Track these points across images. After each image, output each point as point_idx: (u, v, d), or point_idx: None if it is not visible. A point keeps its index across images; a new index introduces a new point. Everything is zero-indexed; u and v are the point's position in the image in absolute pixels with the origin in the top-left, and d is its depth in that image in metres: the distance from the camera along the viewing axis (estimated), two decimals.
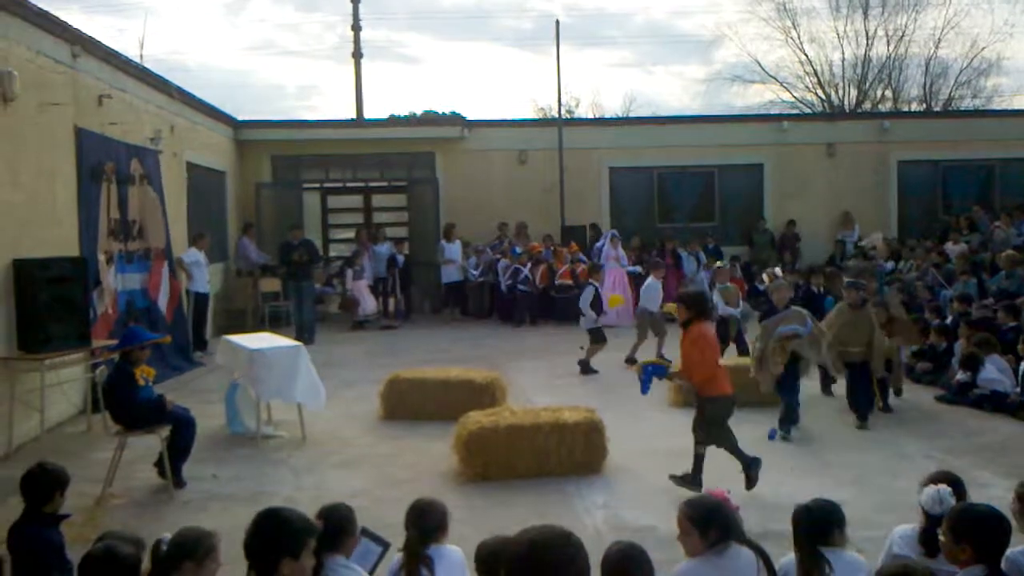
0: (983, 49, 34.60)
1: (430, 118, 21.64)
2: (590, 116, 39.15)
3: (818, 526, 3.98)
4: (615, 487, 7.46)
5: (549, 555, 2.40)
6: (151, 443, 7.79)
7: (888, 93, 35.62)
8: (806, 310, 9.37)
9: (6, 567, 4.38)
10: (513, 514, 6.50)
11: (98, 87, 11.49)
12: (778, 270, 13.80)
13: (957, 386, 10.41)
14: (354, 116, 25.16)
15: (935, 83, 35.03)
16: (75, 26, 10.79)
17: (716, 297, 12.08)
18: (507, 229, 18.89)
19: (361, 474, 7.99)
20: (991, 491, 6.91)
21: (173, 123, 14.34)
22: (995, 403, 9.87)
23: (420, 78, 63.95)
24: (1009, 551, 3.66)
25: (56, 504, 4.89)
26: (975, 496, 4.59)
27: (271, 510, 3.32)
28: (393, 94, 66.59)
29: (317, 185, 21.24)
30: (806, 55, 35.39)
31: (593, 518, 6.78)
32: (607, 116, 38.48)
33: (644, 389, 7.40)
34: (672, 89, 63.91)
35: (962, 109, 32.11)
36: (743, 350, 11.85)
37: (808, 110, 34.16)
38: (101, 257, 11.11)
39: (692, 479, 7.02)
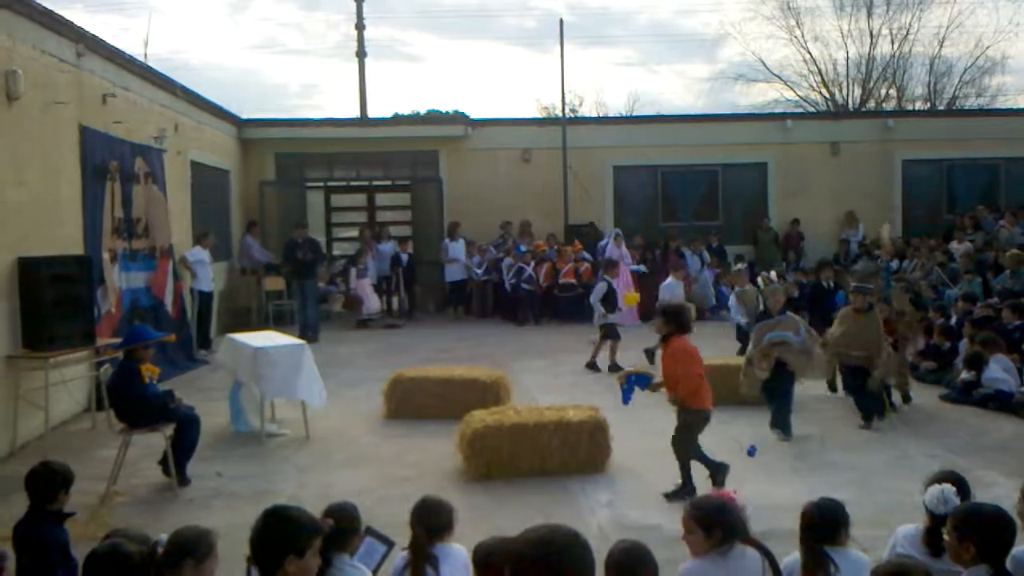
0: (987, 48, 34.66)
1: (434, 117, 21.59)
2: (594, 115, 39.17)
3: (826, 526, 3.98)
4: (619, 486, 7.46)
5: (556, 554, 2.40)
6: (155, 441, 7.80)
7: (892, 92, 35.59)
8: (799, 316, 9.29)
9: (9, 564, 4.39)
10: (517, 513, 6.50)
11: (102, 86, 11.50)
12: (773, 274, 13.72)
13: (961, 385, 10.40)
14: (358, 115, 25.16)
15: (939, 82, 35.01)
16: (79, 25, 10.81)
17: (733, 301, 11.89)
18: (511, 228, 18.89)
19: (365, 472, 7.99)
20: (995, 490, 6.90)
21: (177, 122, 14.35)
22: (1000, 402, 9.86)
23: (424, 77, 64.04)
24: (1015, 550, 3.65)
25: (61, 502, 4.90)
26: (979, 495, 4.58)
27: (276, 508, 3.31)
28: (397, 93, 66.60)
29: (321, 184, 21.25)
30: (810, 54, 35.40)
31: (597, 517, 6.78)
32: (611, 115, 38.51)
33: (625, 399, 7.37)
34: (676, 88, 63.91)
35: (967, 108, 32.07)
36: None
37: (812, 109, 34.12)
38: (105, 255, 11.12)
39: (685, 491, 6.97)
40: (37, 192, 9.62)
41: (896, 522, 4.55)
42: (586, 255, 17.79)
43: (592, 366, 12.31)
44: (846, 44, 35.41)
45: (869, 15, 34.14)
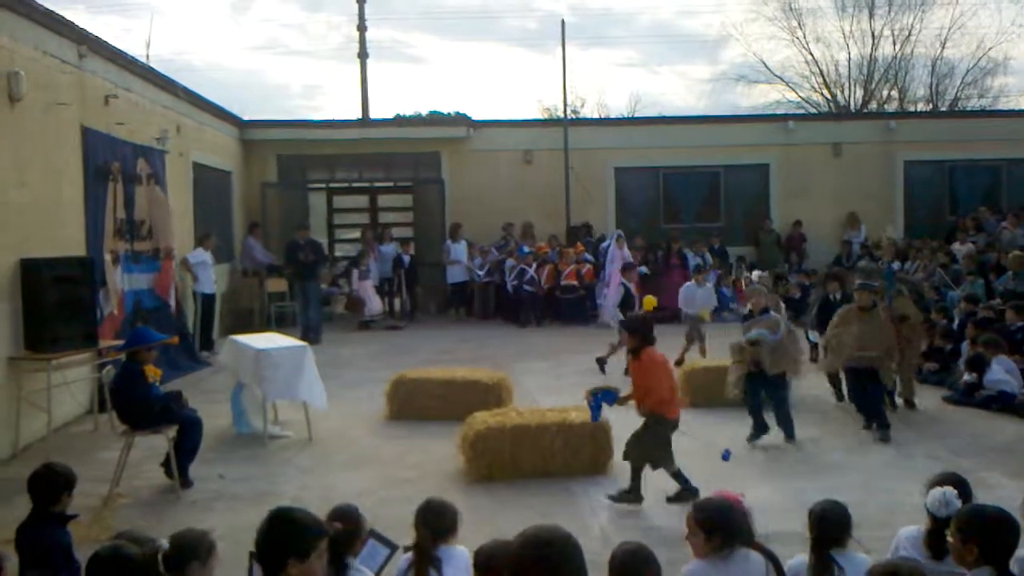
0: (990, 49, 34.52)
1: (436, 118, 21.61)
2: (596, 116, 39.18)
3: (833, 529, 3.98)
4: (621, 488, 7.44)
5: (556, 554, 2.41)
6: (158, 443, 7.81)
7: (894, 93, 35.55)
8: (781, 318, 9.11)
9: (9, 566, 4.38)
10: (519, 515, 6.49)
11: (104, 87, 11.51)
12: (755, 275, 13.63)
13: (964, 387, 10.38)
14: (360, 116, 25.16)
15: (941, 83, 34.96)
16: (81, 26, 10.82)
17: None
18: (512, 229, 18.89)
19: (366, 474, 7.99)
20: (999, 492, 6.90)
21: (179, 123, 14.36)
22: (1002, 404, 9.84)
23: (425, 78, 63.98)
24: (1021, 551, 3.65)
25: (63, 504, 4.90)
26: (982, 497, 4.57)
27: (281, 510, 3.30)
28: (399, 94, 66.54)
29: (323, 185, 21.27)
30: (812, 55, 35.33)
31: (599, 519, 6.78)
32: (613, 116, 38.50)
33: (594, 416, 7.37)
34: (678, 89, 63.83)
35: (969, 109, 32.03)
36: None
37: (814, 110, 34.08)
38: (107, 257, 11.12)
39: (686, 491, 6.97)
40: (39, 193, 9.63)
41: (899, 523, 4.54)
42: (587, 256, 17.78)
43: (601, 362, 12.26)
44: (848, 45, 35.41)
45: (871, 16, 34.13)
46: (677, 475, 7.07)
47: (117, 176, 11.54)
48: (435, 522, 4.23)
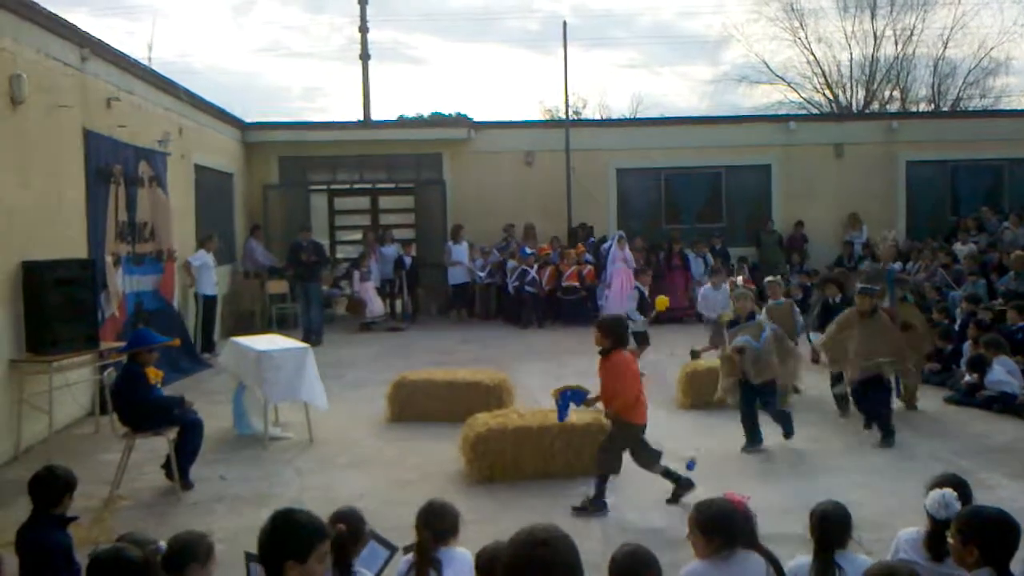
0: (992, 49, 34.49)
1: (437, 120, 21.62)
2: (597, 117, 39.17)
3: (835, 531, 3.97)
4: (622, 489, 7.43)
5: (540, 553, 2.40)
6: (159, 445, 7.82)
7: (896, 93, 35.53)
8: (767, 323, 8.93)
9: (7, 569, 4.39)
10: (520, 516, 6.48)
11: (106, 89, 11.53)
12: (740, 279, 13.54)
13: (965, 388, 10.37)
14: (361, 118, 25.18)
15: (943, 83, 34.93)
16: (83, 28, 10.84)
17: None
18: (514, 231, 18.89)
19: (368, 475, 8.00)
20: (999, 492, 6.91)
21: (181, 125, 14.38)
22: (1003, 404, 9.83)
23: (427, 79, 64.03)
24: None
25: (64, 506, 4.90)
26: (983, 498, 4.57)
27: (283, 511, 3.29)
28: (400, 96, 66.68)
29: (324, 187, 21.27)
30: (814, 55, 35.31)
31: (600, 520, 6.77)
32: (614, 117, 38.50)
33: (561, 415, 7.36)
34: (679, 90, 63.88)
35: (971, 109, 32.00)
36: None
37: (816, 111, 34.07)
38: (108, 259, 11.13)
39: (681, 487, 6.98)
40: (41, 196, 9.64)
41: (899, 524, 4.54)
42: (588, 257, 17.78)
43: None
44: (850, 45, 35.38)
45: (873, 16, 34.12)
46: (667, 473, 7.05)
47: (119, 178, 11.56)
48: (436, 524, 4.23)
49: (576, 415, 8.03)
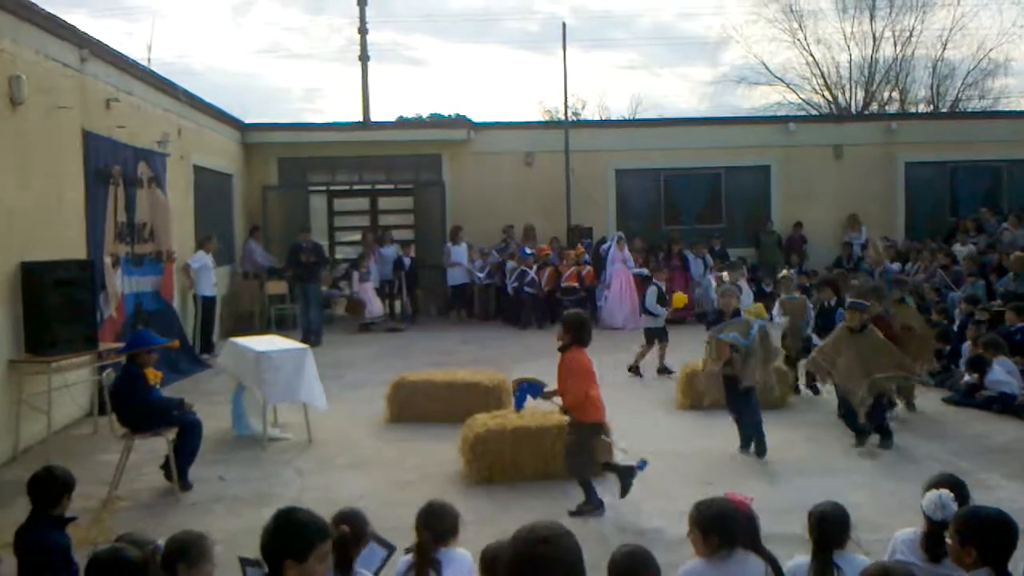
0: (991, 50, 34.50)
1: (437, 121, 21.63)
2: (597, 118, 39.18)
3: (834, 531, 3.97)
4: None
5: (541, 551, 2.40)
6: (157, 445, 7.81)
7: (895, 95, 35.53)
8: (754, 321, 8.65)
9: (5, 570, 4.39)
10: (519, 517, 6.47)
11: (106, 90, 11.52)
12: (726, 275, 13.44)
13: (964, 388, 10.37)
14: (361, 119, 25.19)
15: (942, 84, 34.94)
16: (82, 29, 10.83)
17: (776, 310, 11.36)
18: (513, 232, 18.89)
19: (367, 476, 8.00)
20: (998, 493, 6.91)
21: (180, 126, 14.38)
22: (1003, 405, 9.83)
23: (426, 80, 64.08)
24: None
25: (63, 507, 4.90)
26: (982, 498, 4.58)
27: (285, 510, 3.29)
28: (400, 97, 66.69)
29: (323, 188, 21.28)
30: (813, 56, 35.32)
31: (599, 521, 6.77)
32: (614, 118, 38.52)
33: (517, 405, 7.39)
34: (679, 91, 63.94)
35: (970, 111, 32.03)
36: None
37: (815, 112, 34.09)
38: (107, 260, 11.13)
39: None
40: (40, 197, 9.64)
41: (898, 525, 4.54)
42: (586, 258, 17.77)
43: (634, 370, 12.21)
44: (849, 47, 35.39)
45: (872, 18, 34.13)
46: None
47: (118, 179, 11.56)
48: (436, 524, 4.23)
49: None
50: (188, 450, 7.68)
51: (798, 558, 4.06)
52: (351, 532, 3.86)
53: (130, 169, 12.01)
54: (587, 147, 19.54)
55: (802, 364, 10.36)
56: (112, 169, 11.37)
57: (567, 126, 19.97)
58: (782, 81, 35.90)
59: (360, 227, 21.75)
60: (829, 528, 3.99)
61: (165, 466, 7.64)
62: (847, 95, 35.26)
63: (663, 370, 12.05)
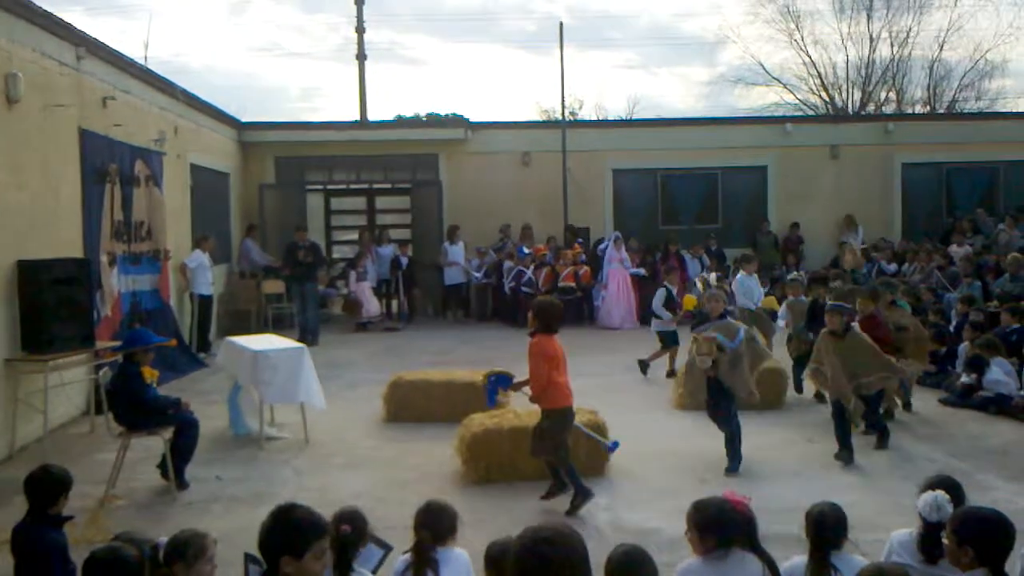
0: (987, 52, 34.60)
1: (434, 120, 21.62)
2: (594, 118, 39.20)
3: (832, 532, 3.98)
4: (618, 489, 7.45)
5: (547, 552, 2.40)
6: (154, 445, 7.80)
7: (892, 95, 35.61)
8: (741, 325, 8.39)
9: None
10: (516, 516, 6.49)
11: (102, 89, 11.51)
12: (712, 277, 13.39)
13: (961, 388, 10.38)
14: (358, 118, 25.18)
15: (939, 85, 35.04)
16: (79, 28, 10.82)
17: (782, 311, 11.30)
18: (510, 231, 18.90)
19: (364, 476, 7.99)
20: (994, 494, 6.92)
21: (177, 125, 14.36)
22: (999, 406, 9.84)
23: (423, 80, 64.03)
24: None
25: (60, 506, 4.89)
26: (978, 499, 4.58)
27: (284, 506, 3.29)
28: (397, 96, 66.64)
29: (320, 187, 21.26)
30: (810, 57, 35.41)
31: (596, 520, 6.77)
32: (611, 118, 38.54)
33: (489, 399, 7.41)
34: (676, 91, 63.97)
35: (966, 112, 32.09)
36: None
37: (812, 112, 34.14)
38: (103, 258, 11.12)
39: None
40: (36, 195, 9.62)
41: (895, 525, 4.55)
42: (582, 258, 17.77)
43: (643, 365, 12.16)
44: (846, 47, 35.55)
45: (869, 18, 34.22)
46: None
47: (114, 178, 11.54)
48: (435, 524, 4.23)
49: (575, 415, 8.05)
50: (185, 449, 7.66)
51: (795, 558, 4.06)
52: (351, 531, 3.85)
53: (127, 167, 11.99)
54: (584, 147, 19.55)
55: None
56: (109, 167, 11.35)
57: (564, 126, 19.98)
58: (779, 81, 36.03)
59: (357, 226, 21.72)
60: (826, 528, 3.99)
61: (162, 465, 7.63)
62: (844, 96, 35.37)
63: (672, 373, 11.88)
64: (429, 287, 19.05)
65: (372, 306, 17.58)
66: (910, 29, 34.05)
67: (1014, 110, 32.76)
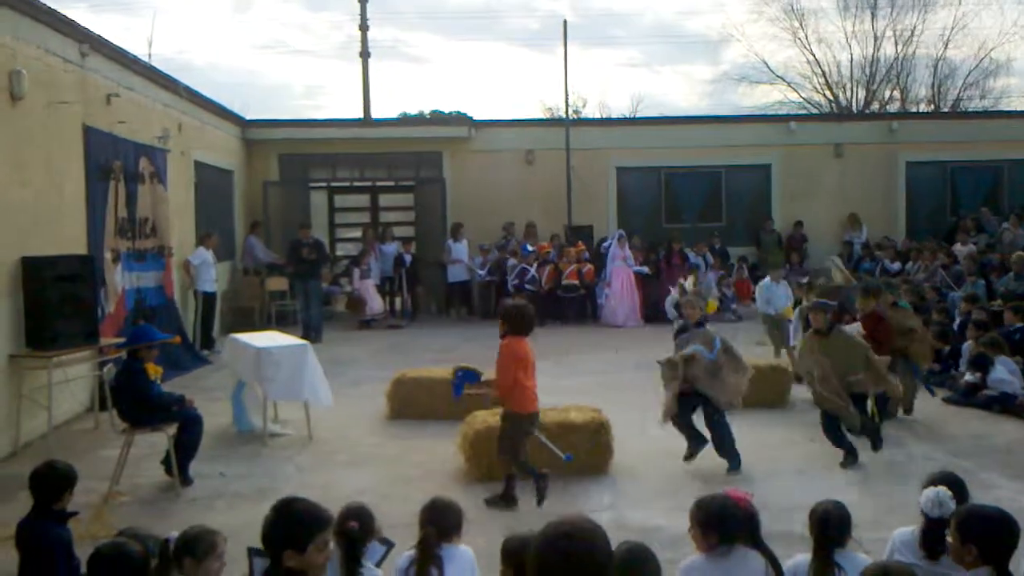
0: (992, 50, 34.53)
1: (437, 118, 21.63)
2: (597, 116, 39.20)
3: (836, 530, 3.98)
4: (621, 487, 7.45)
5: (567, 548, 2.38)
6: (158, 441, 7.81)
7: (896, 94, 35.55)
8: (716, 333, 8.19)
9: None
10: (518, 515, 6.50)
11: (106, 86, 11.52)
12: (688, 283, 13.27)
13: (965, 387, 10.36)
14: (362, 115, 25.18)
15: (943, 84, 34.98)
16: (83, 24, 10.83)
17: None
18: (514, 229, 18.89)
19: (367, 473, 8.00)
20: (997, 492, 6.91)
21: (181, 122, 14.37)
22: (1003, 405, 9.83)
23: (427, 77, 64.03)
24: None
25: (64, 502, 4.91)
26: (982, 497, 4.58)
27: (286, 500, 3.29)
28: (401, 94, 66.65)
29: (324, 184, 21.27)
30: (814, 55, 35.35)
31: (599, 518, 6.70)
32: (614, 116, 38.53)
33: (456, 393, 7.48)
34: (679, 89, 63.91)
35: (971, 110, 32.03)
36: None
37: (816, 110, 34.10)
38: (107, 255, 11.13)
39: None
40: (40, 192, 9.64)
41: (898, 524, 4.54)
42: (585, 255, 17.77)
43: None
44: (850, 46, 35.45)
45: (873, 17, 34.16)
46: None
47: (119, 175, 11.56)
48: (440, 520, 4.24)
49: (574, 412, 8.06)
50: (189, 446, 7.67)
51: (799, 556, 4.06)
52: (359, 528, 3.85)
53: (131, 164, 12.01)
54: (588, 145, 19.54)
55: None
56: (113, 164, 11.37)
57: (568, 124, 19.98)
58: (783, 80, 35.99)
59: (361, 224, 21.73)
60: (830, 527, 3.99)
61: (166, 461, 7.64)
62: (848, 94, 35.32)
63: None
64: (432, 285, 19.06)
65: (375, 303, 17.59)
66: (914, 27, 34.03)
67: (1019, 109, 32.70)
